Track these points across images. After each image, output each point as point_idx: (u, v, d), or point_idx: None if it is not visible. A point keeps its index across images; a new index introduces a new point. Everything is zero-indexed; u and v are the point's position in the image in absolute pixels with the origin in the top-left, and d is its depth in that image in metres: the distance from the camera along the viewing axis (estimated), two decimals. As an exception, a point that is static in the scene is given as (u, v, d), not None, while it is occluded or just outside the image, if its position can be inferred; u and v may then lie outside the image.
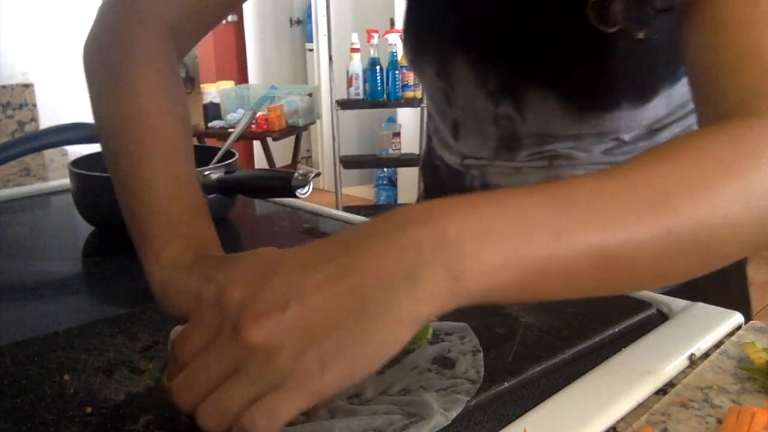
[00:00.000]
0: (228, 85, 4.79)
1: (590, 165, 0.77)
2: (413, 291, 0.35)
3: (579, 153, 0.77)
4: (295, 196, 0.79)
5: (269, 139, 4.53)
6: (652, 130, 0.76)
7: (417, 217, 0.37)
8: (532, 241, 0.37)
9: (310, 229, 0.94)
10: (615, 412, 0.45)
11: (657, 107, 0.74)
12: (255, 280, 0.38)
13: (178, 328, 0.48)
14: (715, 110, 0.50)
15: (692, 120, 0.78)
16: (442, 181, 0.90)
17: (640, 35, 0.59)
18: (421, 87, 3.34)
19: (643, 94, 0.72)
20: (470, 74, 0.77)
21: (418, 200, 1.02)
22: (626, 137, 0.76)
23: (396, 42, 3.79)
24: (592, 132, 0.75)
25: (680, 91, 0.74)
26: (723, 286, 0.81)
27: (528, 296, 0.40)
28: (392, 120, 4.60)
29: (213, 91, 4.57)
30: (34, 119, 2.05)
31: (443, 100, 0.82)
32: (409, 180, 4.71)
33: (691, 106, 0.76)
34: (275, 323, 0.36)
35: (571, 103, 0.73)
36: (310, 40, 5.34)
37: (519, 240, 0.37)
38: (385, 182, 4.96)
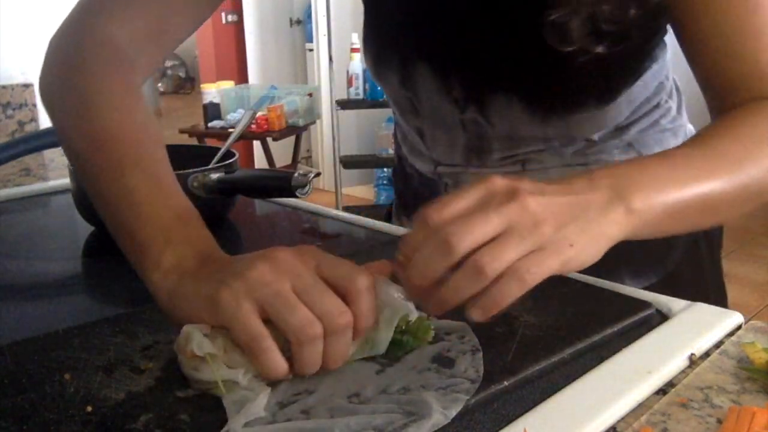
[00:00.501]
0: (228, 85, 4.80)
1: (563, 167, 0.78)
2: (610, 214, 0.50)
3: (550, 155, 0.78)
4: (295, 196, 0.79)
5: (269, 139, 4.53)
6: (619, 128, 0.77)
7: (609, 173, 0.52)
8: (667, 191, 0.53)
9: (310, 229, 0.95)
10: (615, 412, 0.45)
11: (620, 106, 0.74)
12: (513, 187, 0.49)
13: (188, 327, 0.48)
14: (734, 94, 0.64)
15: (657, 115, 0.79)
16: (414, 189, 0.90)
17: (599, 50, 0.64)
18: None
19: (606, 94, 0.72)
20: (434, 83, 0.77)
21: (391, 206, 1.01)
22: (595, 137, 0.77)
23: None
24: (559, 133, 0.76)
25: (642, 88, 0.75)
26: (700, 280, 0.84)
27: (663, 231, 0.55)
28: (392, 120, 4.60)
29: (213, 91, 4.57)
30: (34, 119, 2.05)
31: (409, 108, 0.82)
32: (409, 180, 4.70)
33: (655, 101, 0.78)
34: (547, 200, 0.48)
35: (535, 107, 0.73)
36: (310, 40, 5.34)
37: (660, 192, 0.52)
38: (385, 182, 4.96)
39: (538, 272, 0.46)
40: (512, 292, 0.46)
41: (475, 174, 0.80)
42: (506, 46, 0.72)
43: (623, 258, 0.80)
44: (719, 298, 0.86)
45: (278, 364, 0.46)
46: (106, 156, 0.59)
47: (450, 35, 0.74)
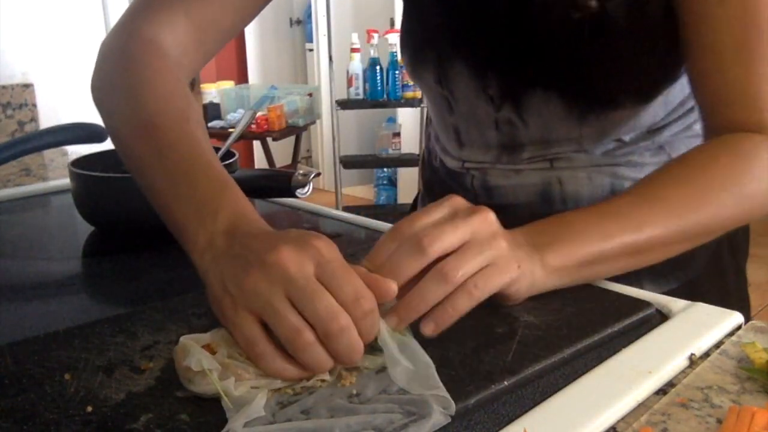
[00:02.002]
0: (228, 85, 4.79)
1: (591, 167, 0.77)
2: (534, 263, 0.57)
3: (580, 155, 0.77)
4: (295, 196, 0.79)
5: (269, 139, 4.53)
6: (652, 130, 0.76)
7: (528, 230, 0.59)
8: (590, 244, 0.58)
9: (310, 229, 0.95)
10: (615, 412, 0.45)
11: (656, 106, 0.74)
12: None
13: (185, 340, 0.48)
14: (714, 126, 0.67)
15: (691, 119, 0.78)
16: (441, 179, 0.90)
17: (592, 3, 0.66)
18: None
19: (645, 92, 0.72)
20: (471, 81, 0.77)
21: (417, 197, 1.02)
22: (626, 138, 0.76)
23: (396, 42, 3.79)
24: (594, 134, 0.75)
25: (679, 90, 0.74)
26: (722, 287, 0.82)
27: (586, 279, 0.61)
28: (392, 120, 4.60)
29: (213, 91, 4.57)
30: (34, 119, 2.05)
31: (445, 107, 0.82)
32: (409, 180, 4.72)
33: (690, 104, 0.77)
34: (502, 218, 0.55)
35: (573, 105, 0.73)
36: (310, 40, 5.35)
37: (580, 245, 0.58)
38: (385, 182, 4.96)
39: (485, 288, 0.52)
40: (462, 306, 0.51)
41: (502, 169, 0.81)
42: (545, 39, 0.72)
43: None
44: (742, 307, 0.81)
45: (276, 367, 0.46)
46: (147, 143, 0.61)
47: (488, 32, 0.75)
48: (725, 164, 0.63)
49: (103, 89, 0.71)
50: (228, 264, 0.49)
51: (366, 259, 0.53)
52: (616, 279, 0.65)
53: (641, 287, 0.77)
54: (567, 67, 0.72)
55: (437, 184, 0.91)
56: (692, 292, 0.77)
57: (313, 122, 4.85)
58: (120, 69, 0.70)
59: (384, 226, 0.89)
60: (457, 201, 0.56)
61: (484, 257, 0.52)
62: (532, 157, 0.79)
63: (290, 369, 0.47)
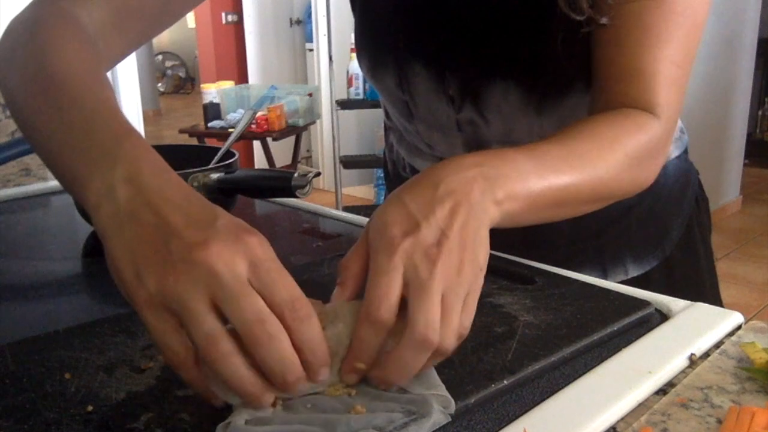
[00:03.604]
0: (228, 85, 4.79)
1: None
2: (485, 204, 0.51)
3: None
4: (295, 196, 0.79)
5: (269, 139, 4.53)
6: None
7: (478, 161, 0.53)
8: (530, 184, 0.54)
9: (310, 229, 0.95)
10: (615, 412, 0.45)
11: None
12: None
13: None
14: (605, 101, 0.67)
15: None
16: None
17: (603, 21, 0.65)
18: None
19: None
20: (430, 82, 0.77)
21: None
22: None
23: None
24: (553, 125, 0.76)
25: None
26: (694, 259, 0.88)
27: (518, 222, 0.55)
28: (392, 120, 4.60)
29: (213, 91, 4.57)
30: (34, 119, 2.04)
31: (405, 112, 0.82)
32: (408, 180, 4.70)
33: None
34: (429, 232, 0.47)
35: (531, 94, 0.74)
36: (310, 40, 5.34)
37: (523, 184, 0.53)
38: (385, 182, 4.95)
39: (468, 322, 0.47)
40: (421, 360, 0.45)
41: None
42: (502, 31, 0.72)
43: (626, 245, 0.82)
44: (712, 280, 0.90)
45: (193, 377, 0.43)
46: (45, 99, 0.54)
47: (443, 28, 0.75)
48: (625, 132, 0.62)
49: (3, 59, 0.61)
50: (141, 237, 0.43)
51: (352, 356, 0.46)
52: (604, 262, 0.66)
53: (626, 270, 0.81)
54: (524, 57, 0.72)
55: None
56: (669, 269, 0.84)
57: (313, 122, 4.85)
58: (25, 35, 0.61)
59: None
60: (386, 234, 0.47)
61: (436, 296, 0.45)
62: None
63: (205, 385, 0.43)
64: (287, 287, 0.42)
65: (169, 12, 0.71)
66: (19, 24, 0.64)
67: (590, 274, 0.70)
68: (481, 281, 0.48)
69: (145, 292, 0.41)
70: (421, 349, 0.44)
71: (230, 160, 0.86)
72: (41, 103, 0.54)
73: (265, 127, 4.35)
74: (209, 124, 4.49)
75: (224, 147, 0.91)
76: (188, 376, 0.42)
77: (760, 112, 5.61)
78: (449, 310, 0.45)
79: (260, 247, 0.43)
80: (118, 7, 0.66)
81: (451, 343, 0.45)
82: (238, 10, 5.60)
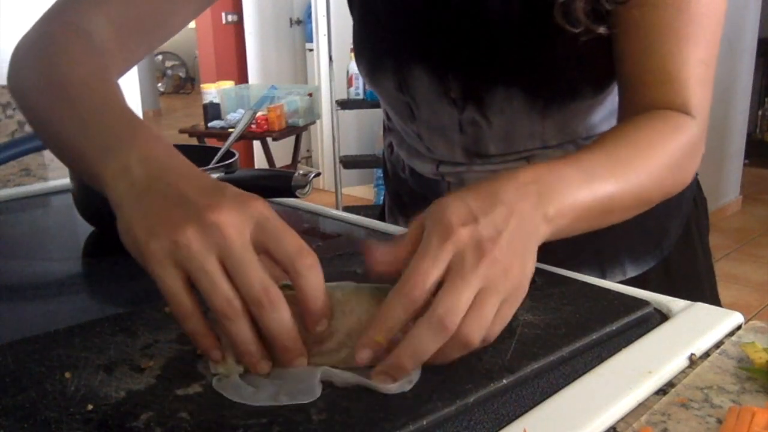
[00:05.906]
0: (228, 85, 4.79)
1: None
2: (535, 220, 0.52)
3: (556, 151, 0.78)
4: (295, 196, 0.79)
5: (269, 139, 4.53)
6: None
7: (535, 176, 0.54)
8: (578, 198, 0.55)
9: (310, 229, 0.95)
10: (615, 412, 0.45)
11: (614, 96, 0.74)
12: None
13: None
14: (637, 106, 0.68)
15: None
16: (410, 189, 0.90)
17: (602, 30, 0.65)
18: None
19: (601, 81, 0.73)
20: (431, 85, 0.77)
21: (384, 209, 1.01)
22: (588, 143, 0.77)
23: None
24: (555, 127, 0.76)
25: None
26: (692, 260, 0.89)
27: (566, 233, 0.56)
28: (392, 120, 4.59)
29: (213, 91, 4.57)
30: (34, 119, 2.04)
31: (407, 114, 0.82)
32: (408, 180, 4.70)
33: None
34: (483, 227, 0.49)
35: (536, 98, 0.73)
36: (310, 40, 5.34)
37: (572, 198, 0.54)
38: (384, 183, 4.95)
39: (498, 328, 0.49)
40: (435, 346, 0.47)
41: (478, 173, 0.81)
42: (506, 37, 0.72)
43: (624, 246, 0.82)
44: (710, 280, 0.91)
45: (199, 328, 0.46)
46: (58, 96, 0.58)
47: (446, 35, 0.75)
48: (665, 135, 0.63)
49: (16, 68, 0.66)
50: (156, 204, 0.47)
51: (374, 327, 0.47)
52: (602, 263, 0.66)
53: (624, 271, 0.81)
54: (528, 62, 0.72)
55: (406, 194, 0.91)
56: (668, 269, 0.85)
57: (313, 122, 4.85)
58: (37, 45, 0.65)
59: (384, 226, 0.89)
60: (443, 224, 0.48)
61: (471, 291, 0.47)
62: (504, 154, 0.79)
63: (209, 335, 0.47)
64: (292, 240, 0.46)
65: (169, 24, 0.73)
66: (28, 38, 0.68)
67: (588, 275, 0.70)
68: (522, 293, 0.50)
69: (157, 248, 0.45)
70: (436, 332, 0.45)
71: (230, 160, 0.86)
72: (54, 99, 0.59)
73: (265, 127, 4.35)
74: (209, 124, 4.49)
75: (224, 147, 0.91)
76: (191, 327, 0.46)
77: (760, 112, 5.62)
78: (483, 303, 0.47)
79: (266, 208, 0.47)
80: (120, 24, 0.69)
81: (474, 334, 0.46)
82: (238, 10, 5.60)
